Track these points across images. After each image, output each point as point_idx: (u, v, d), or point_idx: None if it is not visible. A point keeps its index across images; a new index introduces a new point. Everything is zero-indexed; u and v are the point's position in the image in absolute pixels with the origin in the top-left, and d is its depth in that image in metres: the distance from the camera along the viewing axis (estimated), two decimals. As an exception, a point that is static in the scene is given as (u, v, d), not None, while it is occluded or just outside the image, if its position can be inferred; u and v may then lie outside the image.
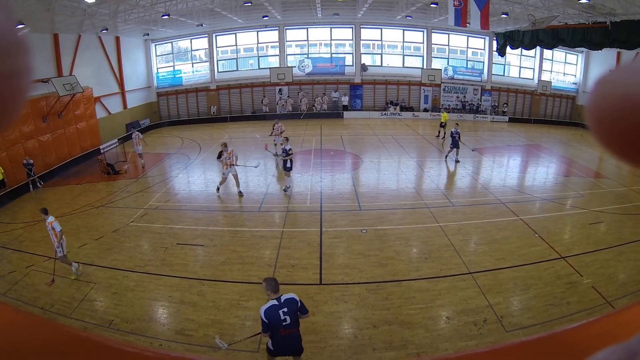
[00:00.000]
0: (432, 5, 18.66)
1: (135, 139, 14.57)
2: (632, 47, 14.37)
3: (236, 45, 25.37)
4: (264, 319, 3.91)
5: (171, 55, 25.59)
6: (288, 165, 10.90)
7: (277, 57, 25.26)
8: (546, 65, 25.78)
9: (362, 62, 25.33)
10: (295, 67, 24.76)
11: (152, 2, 15.25)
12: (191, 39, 25.03)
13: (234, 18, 20.57)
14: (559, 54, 25.18)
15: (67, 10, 13.48)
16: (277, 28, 24.53)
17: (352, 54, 25.39)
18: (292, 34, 25.38)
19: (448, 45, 25.88)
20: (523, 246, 8.00)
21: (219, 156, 10.95)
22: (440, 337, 5.49)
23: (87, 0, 12.95)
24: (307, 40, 25.57)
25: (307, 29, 25.14)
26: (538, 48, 22.27)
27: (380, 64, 26.06)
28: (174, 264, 7.49)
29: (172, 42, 25.08)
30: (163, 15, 16.48)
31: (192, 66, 25.57)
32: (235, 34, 24.82)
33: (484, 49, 25.82)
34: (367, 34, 25.48)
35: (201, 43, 25.09)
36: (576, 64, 25.58)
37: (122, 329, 5.73)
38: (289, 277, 6.93)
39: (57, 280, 6.94)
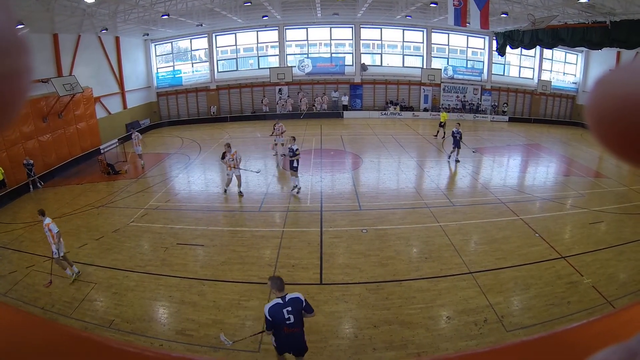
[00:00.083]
0: (431, 5, 18.64)
1: (134, 140, 14.58)
2: (632, 47, 14.39)
3: (236, 45, 25.37)
4: (268, 317, 3.96)
5: (171, 55, 25.59)
6: (295, 165, 10.69)
7: (277, 57, 25.26)
8: (546, 64, 25.77)
9: (362, 62, 25.32)
10: (295, 67, 24.75)
11: (152, 2, 15.25)
12: (191, 39, 25.03)
13: (233, 18, 20.57)
14: (558, 53, 25.17)
15: (67, 10, 13.47)
16: (277, 28, 24.53)
17: (352, 53, 25.38)
18: (292, 34, 25.37)
19: (448, 45, 25.86)
20: (523, 246, 8.00)
21: (223, 157, 10.95)
22: (440, 337, 5.49)
23: (86, 0, 12.95)
24: (307, 40, 25.57)
25: (306, 28, 25.13)
26: (538, 48, 22.28)
27: (380, 64, 26.05)
28: (174, 264, 7.50)
29: (171, 42, 25.08)
30: (163, 15, 16.49)
31: (192, 66, 25.57)
32: (235, 33, 24.82)
33: (483, 49, 25.81)
34: (367, 33, 25.46)
35: (201, 43, 25.09)
36: (576, 64, 25.58)
37: (123, 329, 5.74)
38: (290, 277, 6.91)
39: (58, 281, 6.94)
